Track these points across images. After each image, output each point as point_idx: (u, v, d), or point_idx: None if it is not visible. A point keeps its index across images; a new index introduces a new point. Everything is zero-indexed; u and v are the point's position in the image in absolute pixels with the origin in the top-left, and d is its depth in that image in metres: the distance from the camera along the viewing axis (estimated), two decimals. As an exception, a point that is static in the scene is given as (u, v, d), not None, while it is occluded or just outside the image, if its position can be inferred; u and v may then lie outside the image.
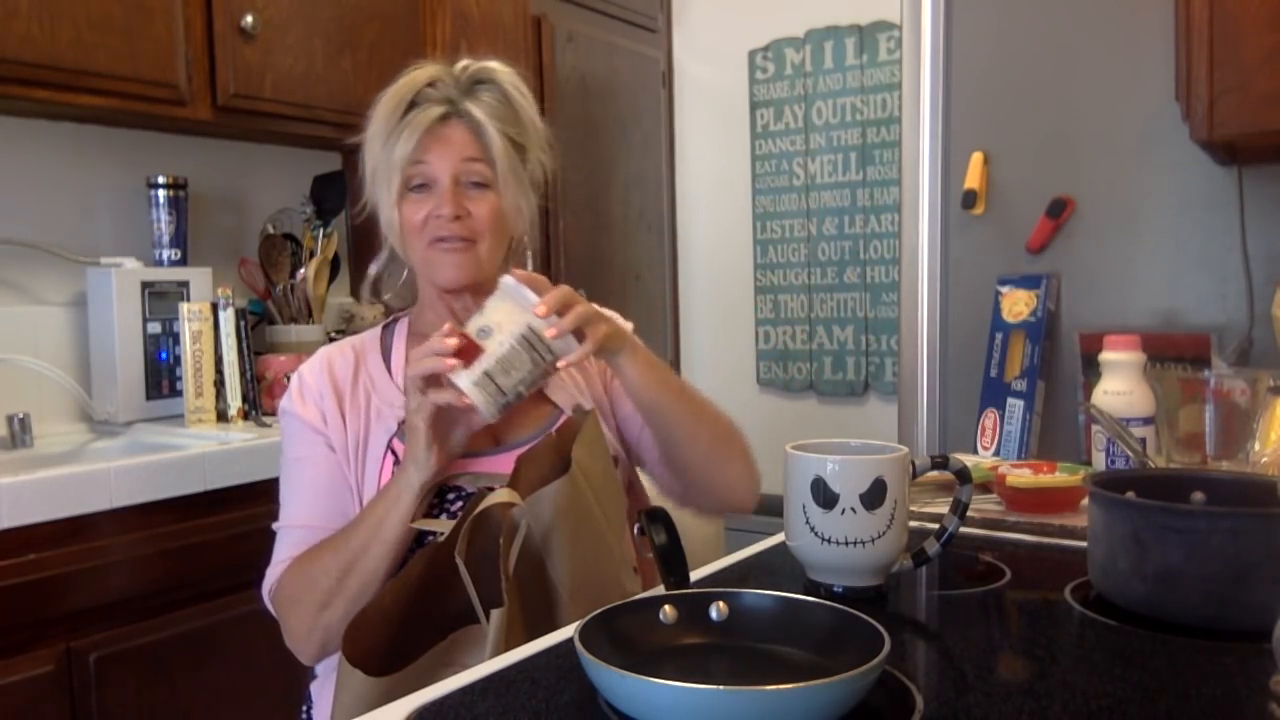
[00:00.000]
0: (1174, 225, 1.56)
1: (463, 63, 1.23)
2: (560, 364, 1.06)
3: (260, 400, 2.11)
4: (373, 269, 1.31)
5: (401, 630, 0.99)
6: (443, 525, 1.08)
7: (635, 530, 1.00)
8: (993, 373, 1.61)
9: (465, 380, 1.01)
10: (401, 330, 1.28)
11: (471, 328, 1.05)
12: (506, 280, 1.06)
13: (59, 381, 2.04)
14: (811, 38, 3.31)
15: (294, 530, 1.16)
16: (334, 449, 1.18)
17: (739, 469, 1.21)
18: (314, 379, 1.21)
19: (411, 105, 1.18)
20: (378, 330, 1.30)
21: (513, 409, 1.07)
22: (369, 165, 1.21)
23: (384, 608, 0.99)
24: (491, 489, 1.06)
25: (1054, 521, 1.15)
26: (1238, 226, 1.50)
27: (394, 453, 1.16)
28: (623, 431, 1.28)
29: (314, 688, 1.21)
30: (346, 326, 2.45)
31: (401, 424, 1.16)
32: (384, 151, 1.18)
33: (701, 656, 0.77)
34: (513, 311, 1.04)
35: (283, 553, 1.16)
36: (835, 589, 0.94)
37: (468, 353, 1.02)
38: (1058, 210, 1.63)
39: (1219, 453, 1.24)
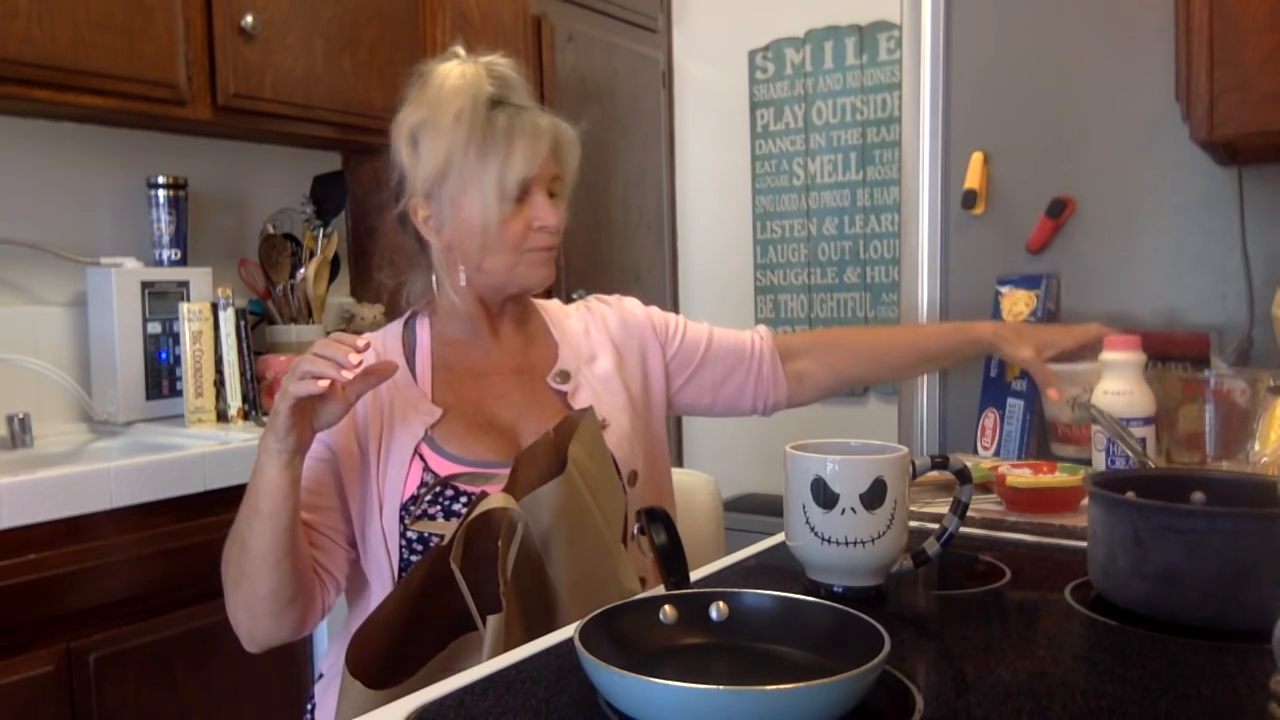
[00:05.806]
0: (1174, 225, 1.56)
1: (488, 58, 1.21)
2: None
3: (260, 400, 2.11)
4: (415, 285, 1.28)
5: (404, 636, 0.99)
6: (445, 528, 1.07)
7: (635, 530, 1.00)
8: (993, 373, 1.61)
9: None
10: (424, 333, 1.27)
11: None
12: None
13: (59, 381, 2.04)
14: (811, 38, 3.31)
15: None
16: (334, 450, 1.18)
17: None
18: None
19: (490, 106, 1.18)
20: (398, 329, 1.28)
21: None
22: (439, 167, 1.17)
23: (387, 613, 0.99)
24: (486, 493, 1.05)
25: (1054, 521, 1.15)
26: (1238, 226, 1.50)
27: (421, 457, 1.16)
28: (690, 393, 1.43)
29: (318, 688, 1.21)
30: (346, 326, 2.45)
31: (429, 429, 1.17)
32: (479, 159, 1.16)
33: (701, 656, 0.77)
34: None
35: None
36: (835, 589, 0.94)
37: None
38: (1058, 210, 1.63)
39: (1219, 453, 1.24)
